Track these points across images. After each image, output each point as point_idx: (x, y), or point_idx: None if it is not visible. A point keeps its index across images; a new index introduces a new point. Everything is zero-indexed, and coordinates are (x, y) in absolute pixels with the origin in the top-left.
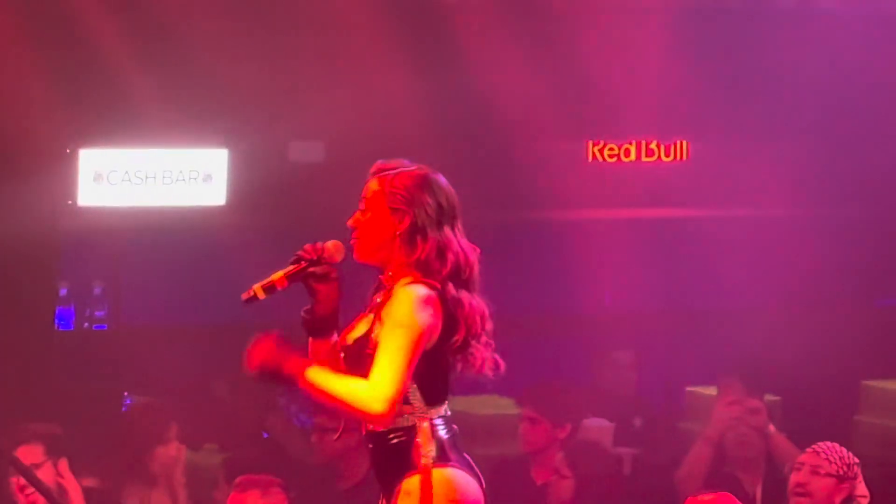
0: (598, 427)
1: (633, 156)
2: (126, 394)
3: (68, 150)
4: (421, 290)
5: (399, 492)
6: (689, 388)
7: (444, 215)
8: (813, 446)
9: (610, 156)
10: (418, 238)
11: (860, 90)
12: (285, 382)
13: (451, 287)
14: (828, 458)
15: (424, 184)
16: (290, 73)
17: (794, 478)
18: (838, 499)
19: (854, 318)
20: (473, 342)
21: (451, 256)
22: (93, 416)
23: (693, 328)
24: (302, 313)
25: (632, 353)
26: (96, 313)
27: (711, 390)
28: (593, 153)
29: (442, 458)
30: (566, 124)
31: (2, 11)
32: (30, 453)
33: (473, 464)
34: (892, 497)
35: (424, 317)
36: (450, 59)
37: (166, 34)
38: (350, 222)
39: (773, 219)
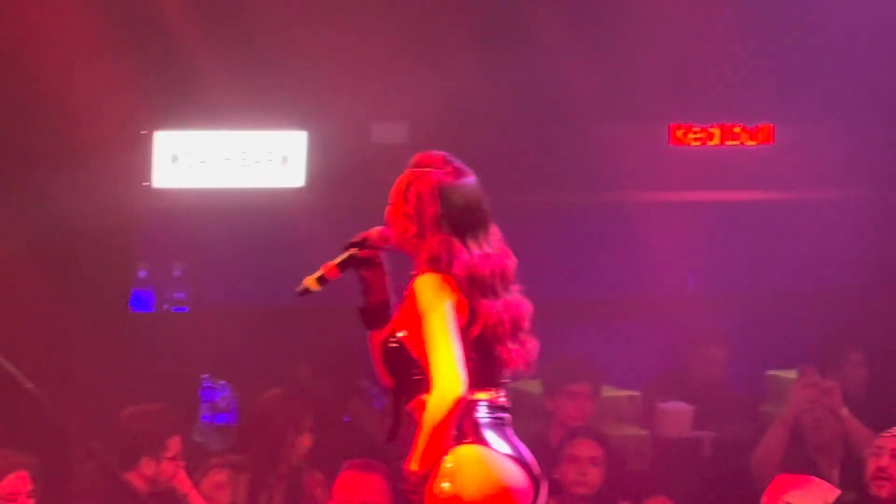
0: (675, 410)
1: (716, 139)
2: (205, 376)
3: (144, 132)
4: (432, 278)
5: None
6: (769, 372)
7: (450, 224)
8: (892, 429)
9: (693, 139)
10: (425, 242)
11: None
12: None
13: (465, 287)
14: None
15: (435, 193)
16: (372, 53)
17: (873, 462)
18: None
19: None
20: (497, 343)
21: (457, 263)
22: (172, 398)
23: (776, 311)
24: (356, 306)
25: (714, 336)
26: (176, 295)
27: (792, 374)
28: (676, 136)
29: (474, 438)
30: (649, 107)
31: None
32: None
33: (524, 451)
34: None
35: (445, 296)
36: (533, 40)
37: (244, 14)
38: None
39: (857, 202)
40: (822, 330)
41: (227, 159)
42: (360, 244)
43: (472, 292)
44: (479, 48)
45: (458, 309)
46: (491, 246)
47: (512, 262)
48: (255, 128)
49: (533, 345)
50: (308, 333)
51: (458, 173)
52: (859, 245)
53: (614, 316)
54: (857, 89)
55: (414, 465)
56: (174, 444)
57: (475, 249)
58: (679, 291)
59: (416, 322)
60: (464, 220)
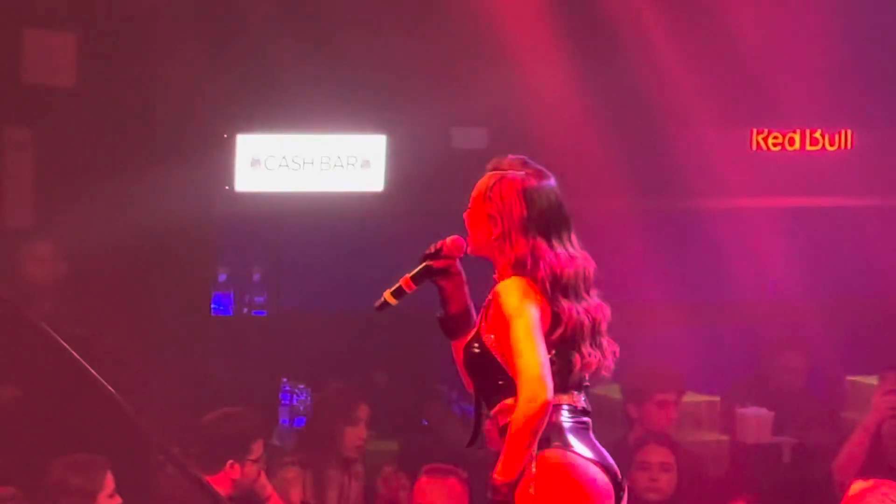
0: (755, 416)
1: (797, 144)
2: (285, 380)
3: (226, 136)
4: (517, 281)
5: None
6: (850, 378)
7: (536, 225)
8: None
9: (774, 144)
10: (508, 244)
11: None
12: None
13: (548, 289)
14: None
15: (522, 194)
16: (452, 58)
17: None
18: None
19: None
20: (575, 349)
21: (543, 265)
22: (252, 402)
23: (857, 318)
24: (437, 315)
25: (795, 342)
26: (256, 299)
27: (873, 380)
28: (757, 142)
29: (558, 443)
30: (730, 112)
31: None
32: None
33: (606, 455)
34: None
35: (530, 301)
36: (613, 46)
37: (325, 18)
38: (464, 215)
39: None
40: None
41: (307, 163)
42: (434, 255)
43: (554, 294)
44: (559, 54)
45: (542, 313)
46: (574, 248)
47: (592, 266)
48: (336, 132)
49: (612, 349)
50: (386, 338)
51: (539, 175)
52: None
53: (694, 321)
54: None
55: (501, 474)
56: (257, 448)
57: (560, 250)
58: (759, 297)
59: (500, 327)
60: (549, 221)
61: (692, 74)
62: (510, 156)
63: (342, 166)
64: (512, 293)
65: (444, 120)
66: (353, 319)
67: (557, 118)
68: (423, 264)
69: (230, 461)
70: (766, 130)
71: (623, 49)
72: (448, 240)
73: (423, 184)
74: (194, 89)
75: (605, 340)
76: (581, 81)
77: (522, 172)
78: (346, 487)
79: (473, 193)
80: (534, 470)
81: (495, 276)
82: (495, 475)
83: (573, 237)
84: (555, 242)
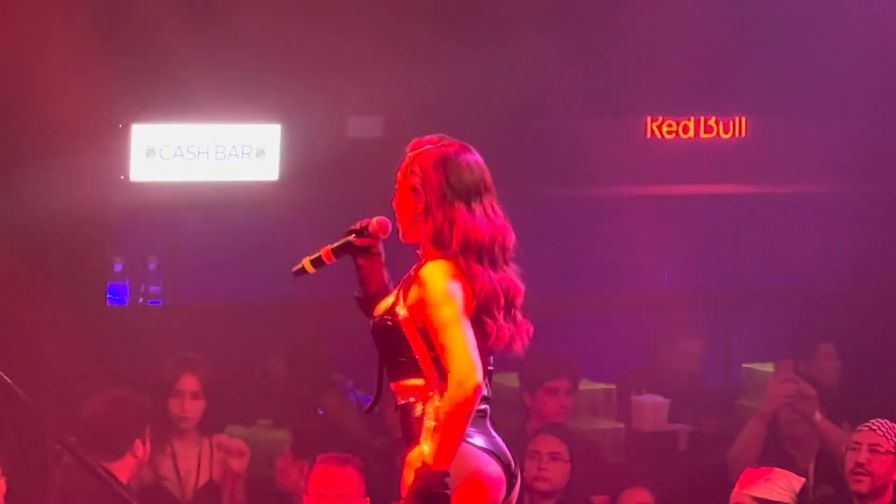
0: (652, 403)
1: (691, 132)
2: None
3: (120, 125)
4: (441, 265)
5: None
6: (745, 365)
7: (457, 192)
8: (868, 424)
9: (668, 132)
10: (429, 216)
11: None
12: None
13: (461, 260)
14: (885, 436)
15: (439, 162)
16: (346, 47)
17: (851, 457)
18: None
19: None
20: (489, 316)
21: (457, 232)
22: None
23: (751, 306)
24: (354, 295)
25: (695, 335)
26: (151, 289)
27: (769, 367)
28: (651, 129)
29: None
30: (624, 100)
31: None
32: None
33: (499, 442)
34: None
35: (456, 285)
36: (507, 33)
37: (219, 7)
38: (393, 202)
39: (833, 195)
40: (795, 323)
41: (202, 152)
42: (358, 231)
43: (467, 260)
44: (455, 43)
45: (465, 293)
46: (496, 215)
47: (511, 236)
48: (231, 121)
49: (527, 327)
50: (282, 328)
51: (458, 146)
52: (833, 239)
53: (589, 310)
54: (833, 81)
55: (434, 462)
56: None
57: (479, 214)
58: (654, 285)
59: (419, 308)
60: (468, 187)
61: (587, 63)
62: (429, 136)
63: (237, 156)
64: (438, 278)
65: (340, 109)
66: (249, 309)
67: (452, 107)
68: (346, 239)
69: (138, 440)
70: (660, 118)
71: (516, 38)
72: (374, 220)
73: (318, 173)
74: (88, 79)
75: (520, 316)
76: (476, 70)
77: (439, 143)
78: (208, 460)
79: (398, 175)
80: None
81: (419, 251)
82: (426, 461)
83: (496, 205)
84: (475, 206)
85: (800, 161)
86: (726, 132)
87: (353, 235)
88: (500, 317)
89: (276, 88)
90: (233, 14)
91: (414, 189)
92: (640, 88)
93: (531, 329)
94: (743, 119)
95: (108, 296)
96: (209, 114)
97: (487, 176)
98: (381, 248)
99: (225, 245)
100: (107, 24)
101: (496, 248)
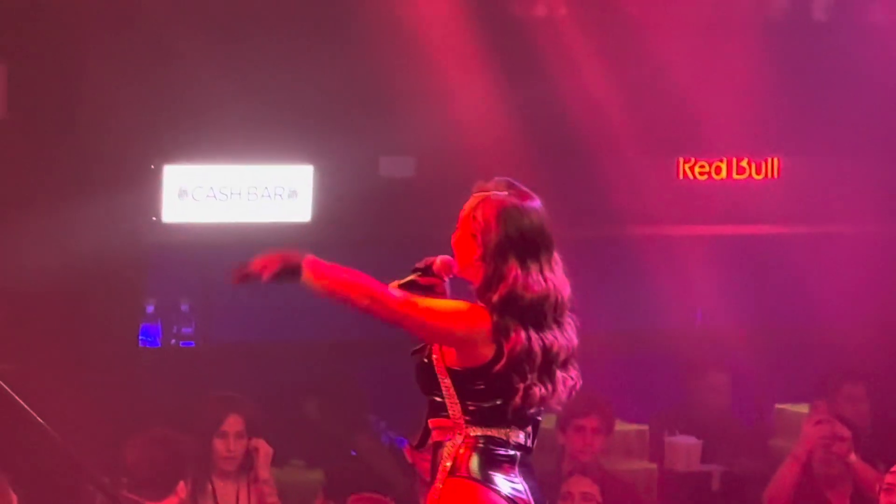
0: (685, 444)
1: (723, 173)
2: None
3: (153, 166)
4: (477, 308)
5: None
6: (778, 406)
7: (514, 248)
8: None
9: (700, 173)
10: (484, 266)
11: None
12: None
13: (496, 315)
14: None
15: (502, 215)
16: (379, 88)
17: (885, 498)
18: None
19: None
20: (519, 374)
21: (502, 288)
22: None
23: (784, 346)
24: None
25: (723, 370)
26: (183, 330)
27: (802, 408)
28: (684, 170)
29: (464, 473)
30: (657, 141)
31: (90, 28)
32: None
33: (525, 489)
34: None
35: (475, 314)
36: (540, 74)
37: (253, 49)
38: (452, 237)
39: (865, 236)
40: (827, 364)
41: (235, 193)
42: (424, 270)
43: (504, 317)
44: (487, 83)
45: (483, 340)
46: (553, 272)
47: (566, 292)
48: (263, 162)
49: (570, 382)
50: (315, 368)
51: (522, 196)
52: (866, 278)
53: (622, 349)
54: (866, 121)
55: (315, 274)
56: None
57: (534, 273)
58: (687, 325)
59: (449, 350)
60: (526, 243)
61: (619, 102)
62: (496, 178)
63: (269, 197)
64: (463, 303)
65: (372, 149)
66: (282, 349)
67: (485, 146)
68: (410, 277)
69: (182, 480)
70: (692, 159)
71: (550, 77)
72: (438, 259)
73: (350, 213)
74: (122, 120)
75: (561, 372)
76: (508, 109)
77: (505, 193)
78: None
79: (461, 214)
80: (437, 497)
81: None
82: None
83: (555, 261)
84: (531, 264)
85: (831, 201)
86: (759, 173)
87: (419, 274)
88: (533, 377)
89: (308, 129)
90: (265, 56)
91: (474, 237)
92: (673, 129)
93: (578, 385)
94: (775, 160)
95: (140, 337)
96: (241, 155)
97: (548, 228)
98: (445, 287)
99: (257, 286)
100: (141, 67)
101: (546, 307)
